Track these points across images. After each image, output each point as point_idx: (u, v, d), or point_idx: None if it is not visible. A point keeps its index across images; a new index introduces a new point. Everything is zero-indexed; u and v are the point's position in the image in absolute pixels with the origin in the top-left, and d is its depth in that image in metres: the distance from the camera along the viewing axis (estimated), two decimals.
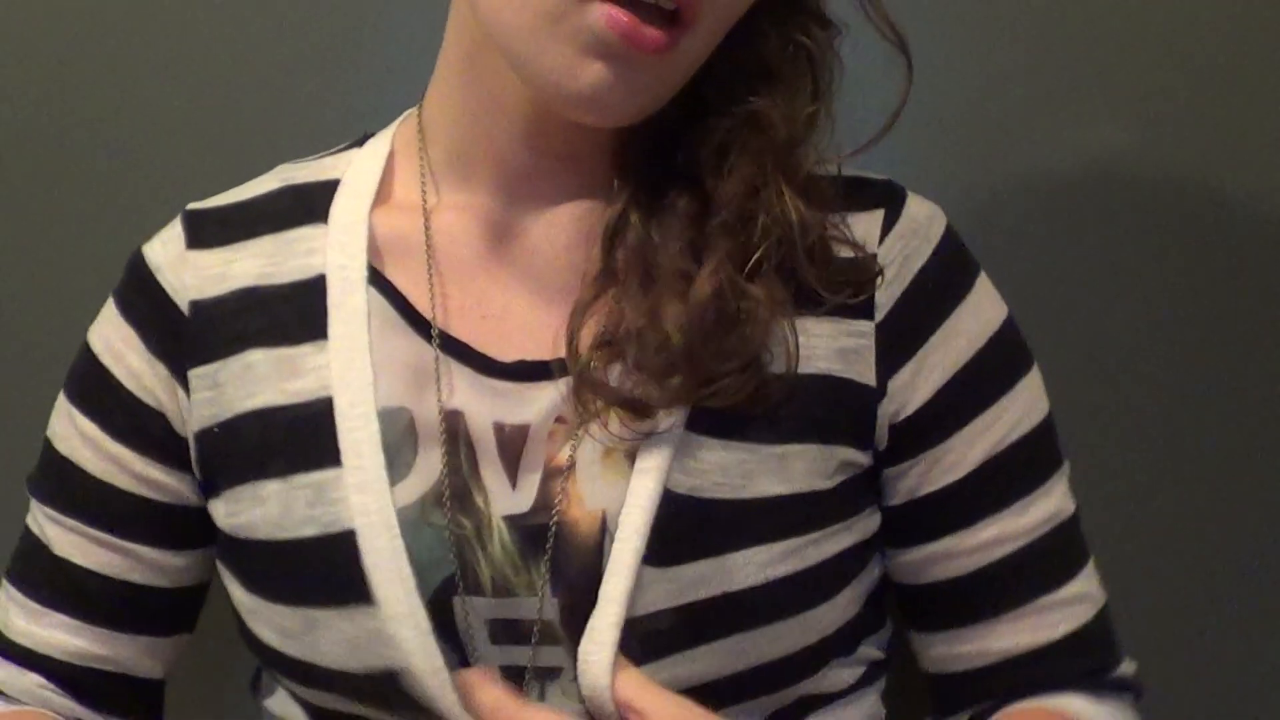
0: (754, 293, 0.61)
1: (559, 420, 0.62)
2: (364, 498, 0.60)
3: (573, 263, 0.65)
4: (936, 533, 0.67)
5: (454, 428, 0.62)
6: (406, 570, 0.59)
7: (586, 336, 0.62)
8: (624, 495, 0.59)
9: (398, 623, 0.59)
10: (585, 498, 0.60)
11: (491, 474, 0.62)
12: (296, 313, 0.64)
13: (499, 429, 0.62)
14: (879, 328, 0.64)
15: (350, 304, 0.64)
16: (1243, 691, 1.04)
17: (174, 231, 0.68)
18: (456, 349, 0.63)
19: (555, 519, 0.60)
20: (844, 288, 0.63)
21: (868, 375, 0.64)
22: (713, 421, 0.61)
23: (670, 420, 0.60)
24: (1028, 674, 0.67)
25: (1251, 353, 1.01)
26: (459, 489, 0.61)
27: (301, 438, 0.62)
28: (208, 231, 0.68)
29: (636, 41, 0.55)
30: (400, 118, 0.72)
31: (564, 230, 0.66)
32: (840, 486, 0.64)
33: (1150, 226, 1.00)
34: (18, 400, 0.87)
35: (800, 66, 0.63)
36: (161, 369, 0.66)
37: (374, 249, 0.65)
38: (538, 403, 0.62)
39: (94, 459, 0.68)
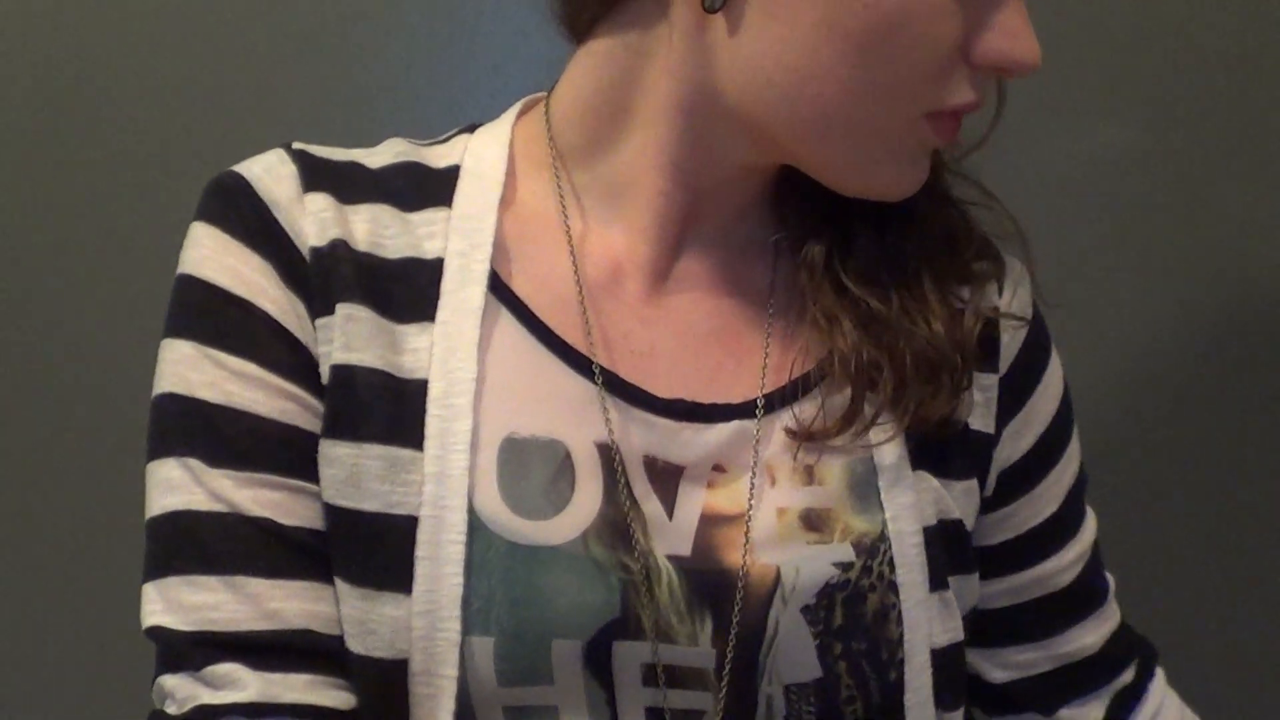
0: (972, 313, 0.67)
1: (717, 468, 0.62)
2: (437, 489, 0.58)
3: (719, 307, 0.66)
4: (1034, 560, 0.73)
5: (609, 460, 0.61)
6: (457, 579, 0.57)
7: (777, 377, 0.64)
8: (799, 554, 0.61)
9: (423, 618, 0.57)
10: (760, 553, 0.61)
11: (649, 507, 0.61)
12: (405, 291, 0.61)
13: (650, 462, 0.62)
14: (1002, 380, 0.69)
15: (464, 293, 0.61)
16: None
17: (285, 169, 0.62)
18: (611, 381, 0.62)
19: (744, 573, 0.60)
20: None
21: (989, 425, 0.68)
22: (920, 458, 0.65)
23: (895, 453, 0.64)
24: (1101, 664, 0.75)
25: (1252, 352, 1.02)
26: (619, 523, 0.60)
27: (386, 407, 0.59)
28: (320, 180, 0.62)
29: (954, 139, 0.62)
30: (512, 111, 0.69)
31: (708, 274, 0.66)
32: None
33: (1150, 227, 1.00)
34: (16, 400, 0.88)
35: None
36: (301, 307, 0.60)
37: (500, 249, 0.63)
38: (695, 446, 0.62)
39: (267, 400, 0.59)
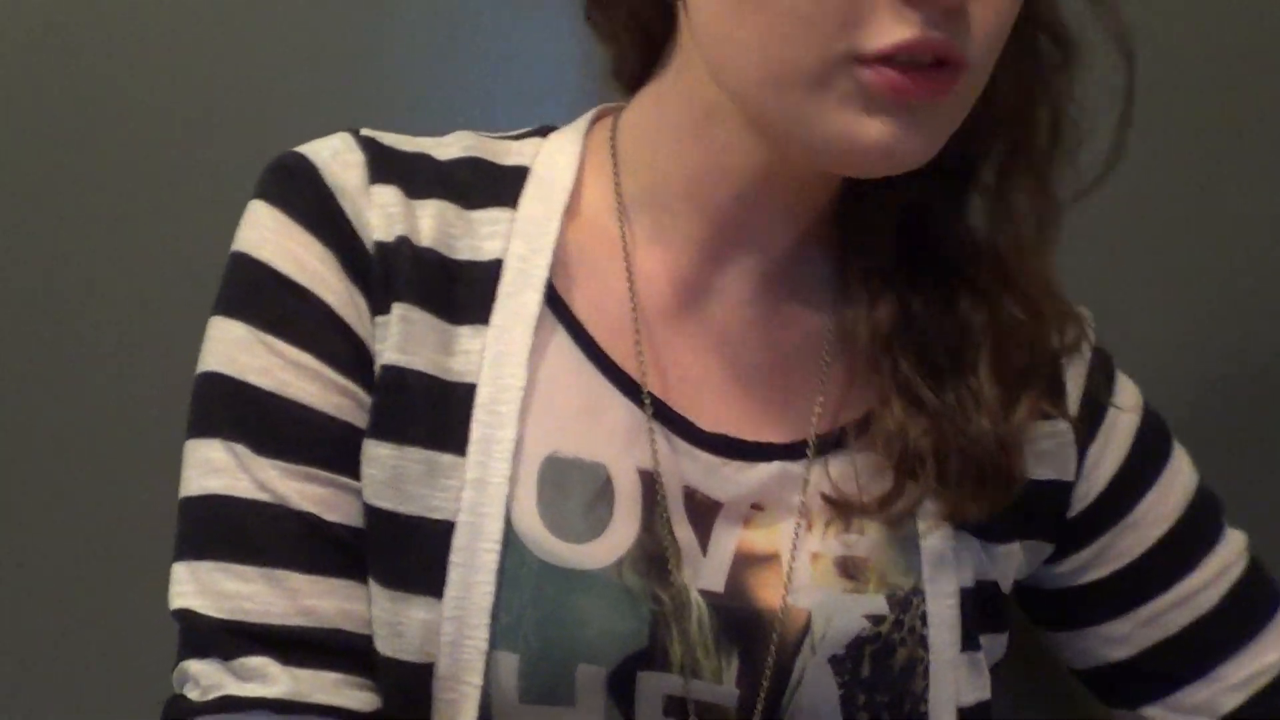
0: (1026, 411, 0.63)
1: (755, 507, 0.62)
2: (477, 496, 0.57)
3: (774, 342, 0.65)
4: (1160, 586, 0.70)
5: (651, 489, 0.60)
6: (489, 587, 0.57)
7: (824, 423, 0.63)
8: (832, 600, 0.60)
9: (453, 623, 0.56)
10: (792, 596, 0.60)
11: (685, 540, 0.60)
12: (462, 292, 0.60)
13: (689, 494, 0.61)
14: (1074, 420, 0.67)
15: (521, 299, 0.60)
16: None
17: (353, 156, 0.60)
18: (660, 410, 0.61)
19: (780, 615, 0.60)
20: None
21: (1068, 471, 0.68)
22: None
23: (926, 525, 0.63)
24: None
25: (1252, 353, 1.01)
26: (655, 553, 0.59)
27: (431, 410, 0.58)
28: (389, 171, 0.60)
29: (913, 94, 0.53)
30: (587, 116, 0.68)
31: (757, 301, 0.65)
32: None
33: (1150, 227, 1.00)
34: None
35: (1039, 113, 0.62)
36: (361, 301, 0.58)
37: (559, 259, 0.62)
38: (735, 484, 0.61)
39: (321, 394, 0.57)
